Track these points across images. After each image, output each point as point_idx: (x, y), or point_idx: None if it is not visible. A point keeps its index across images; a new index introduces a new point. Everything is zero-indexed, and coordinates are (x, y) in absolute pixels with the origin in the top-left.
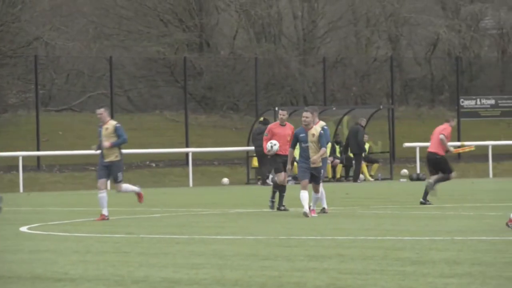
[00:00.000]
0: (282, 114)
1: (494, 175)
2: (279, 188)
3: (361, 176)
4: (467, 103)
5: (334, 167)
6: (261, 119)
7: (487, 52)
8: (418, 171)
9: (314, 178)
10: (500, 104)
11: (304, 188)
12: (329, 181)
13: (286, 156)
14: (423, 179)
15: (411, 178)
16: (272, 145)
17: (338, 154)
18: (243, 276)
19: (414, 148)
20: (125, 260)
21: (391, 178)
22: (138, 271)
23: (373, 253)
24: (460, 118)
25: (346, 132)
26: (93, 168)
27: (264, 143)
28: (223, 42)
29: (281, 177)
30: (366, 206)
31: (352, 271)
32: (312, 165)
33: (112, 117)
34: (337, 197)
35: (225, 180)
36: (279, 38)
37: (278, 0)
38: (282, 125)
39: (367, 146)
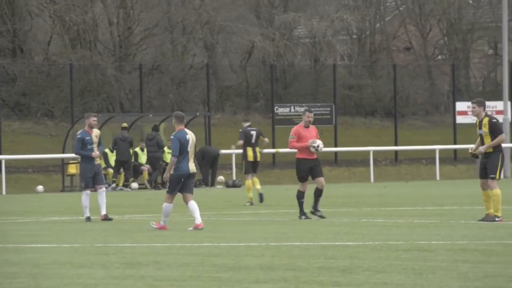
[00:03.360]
0: (309, 116)
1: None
2: (301, 195)
3: None
4: (281, 110)
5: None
6: (124, 125)
7: (300, 60)
8: (234, 177)
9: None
10: (313, 112)
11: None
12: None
13: (312, 160)
14: (239, 186)
15: (227, 185)
16: (319, 144)
17: None
18: (58, 285)
19: (230, 155)
20: None
21: (208, 185)
22: None
23: (190, 260)
24: (274, 125)
25: (164, 139)
26: None
27: (291, 145)
28: (37, 48)
29: (305, 186)
30: (183, 212)
31: (169, 278)
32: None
33: None
34: (155, 204)
35: (40, 187)
36: (95, 45)
37: (93, 6)
38: (307, 127)
39: None
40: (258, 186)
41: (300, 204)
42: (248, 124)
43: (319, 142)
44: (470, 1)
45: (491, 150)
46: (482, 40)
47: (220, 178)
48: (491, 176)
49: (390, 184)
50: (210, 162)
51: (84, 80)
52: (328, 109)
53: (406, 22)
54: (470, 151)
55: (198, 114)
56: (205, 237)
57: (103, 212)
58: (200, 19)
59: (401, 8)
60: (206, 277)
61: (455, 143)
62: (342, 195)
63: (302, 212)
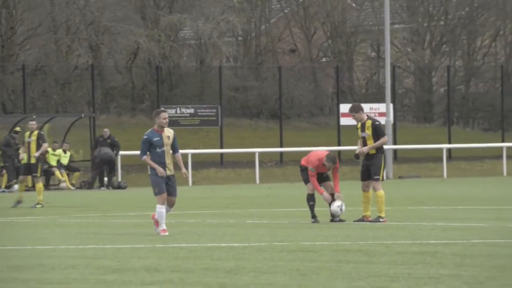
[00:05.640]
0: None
1: (194, 183)
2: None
3: (64, 184)
4: (167, 112)
5: None
6: (17, 129)
7: (186, 61)
8: (120, 179)
9: (174, 191)
10: (199, 113)
11: (163, 202)
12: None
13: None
14: (124, 187)
15: (112, 186)
16: (341, 210)
17: None
18: None
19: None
20: None
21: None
22: None
23: (75, 262)
24: None
25: (49, 140)
26: None
27: (311, 179)
28: None
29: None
30: (67, 215)
31: (52, 281)
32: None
33: None
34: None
35: None
36: None
37: None
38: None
39: (68, 154)
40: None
41: (310, 207)
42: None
43: (342, 208)
44: (353, 5)
45: (374, 151)
46: (365, 43)
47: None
48: (376, 177)
49: (276, 185)
50: (102, 164)
51: None
52: (214, 110)
53: (291, 25)
54: (356, 152)
55: (83, 115)
56: (90, 239)
57: None
58: (85, 19)
59: (286, 11)
60: (91, 279)
61: (339, 145)
62: (228, 197)
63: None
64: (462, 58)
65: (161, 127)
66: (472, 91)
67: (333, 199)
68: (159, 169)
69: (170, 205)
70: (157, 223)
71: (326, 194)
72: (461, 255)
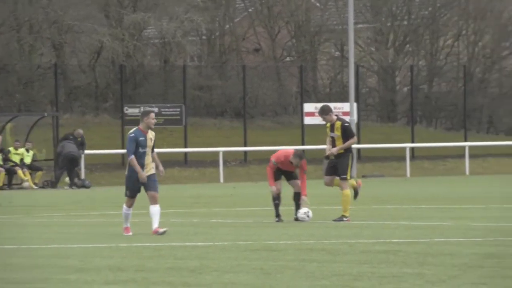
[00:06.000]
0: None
1: (158, 182)
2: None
3: (26, 184)
4: (131, 111)
5: None
6: None
7: (150, 60)
8: (83, 177)
9: (154, 186)
10: (163, 112)
11: (130, 206)
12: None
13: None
14: (88, 187)
15: (76, 185)
16: (309, 215)
17: (1, 162)
18: None
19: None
20: None
21: (56, 186)
22: None
23: (38, 262)
24: (124, 126)
25: (10, 139)
26: None
27: (268, 170)
28: None
29: (278, 185)
30: (31, 214)
31: (16, 280)
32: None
33: None
34: None
35: None
36: None
37: None
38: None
39: (31, 153)
40: None
41: (275, 206)
42: None
43: (309, 215)
44: (317, 4)
45: (342, 151)
46: (329, 42)
47: (66, 178)
48: (343, 176)
49: (240, 184)
50: (66, 163)
51: None
52: (178, 109)
53: (255, 24)
54: (326, 154)
55: (46, 114)
56: (54, 238)
57: None
58: (48, 18)
59: (250, 10)
60: (54, 279)
61: (303, 144)
62: (192, 196)
63: (276, 214)
64: (425, 58)
65: (148, 128)
66: (435, 90)
67: (299, 202)
68: (142, 175)
69: (153, 201)
70: (156, 231)
71: (274, 189)
72: (424, 254)
